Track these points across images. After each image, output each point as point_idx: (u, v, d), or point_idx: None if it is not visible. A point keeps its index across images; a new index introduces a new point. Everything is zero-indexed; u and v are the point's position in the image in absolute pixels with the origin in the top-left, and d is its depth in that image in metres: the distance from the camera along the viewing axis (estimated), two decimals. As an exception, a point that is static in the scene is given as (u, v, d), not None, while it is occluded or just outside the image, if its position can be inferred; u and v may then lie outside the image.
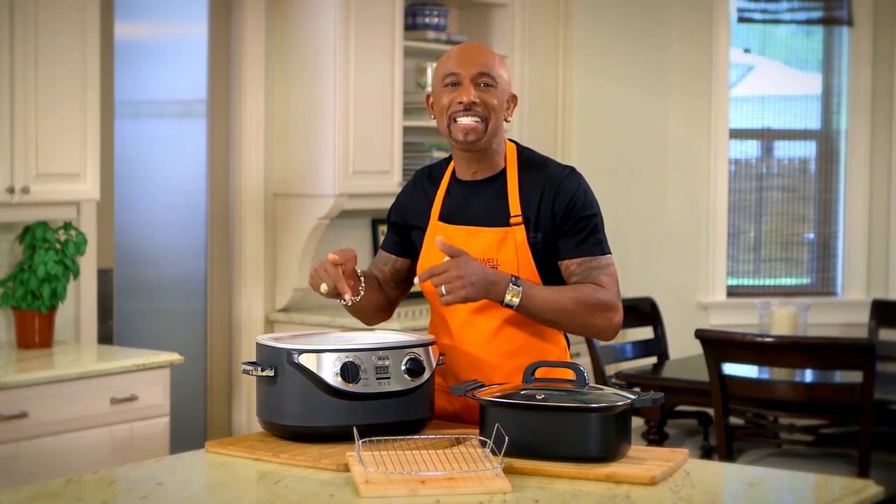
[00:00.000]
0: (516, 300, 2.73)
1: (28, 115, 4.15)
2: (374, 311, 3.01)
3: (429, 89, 5.70)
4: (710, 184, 6.70)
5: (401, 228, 3.02)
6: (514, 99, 2.92)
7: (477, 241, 2.85)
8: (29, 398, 3.88)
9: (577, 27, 6.45)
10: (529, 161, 2.90)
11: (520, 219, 2.84)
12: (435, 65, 5.69)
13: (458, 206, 2.91)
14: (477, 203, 2.89)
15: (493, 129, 2.85)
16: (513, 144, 2.94)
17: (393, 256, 3.03)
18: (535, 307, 2.75)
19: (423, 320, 5.17)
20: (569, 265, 2.83)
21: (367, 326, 3.11)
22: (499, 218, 2.85)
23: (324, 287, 2.79)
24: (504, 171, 2.89)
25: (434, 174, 3.00)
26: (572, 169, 2.89)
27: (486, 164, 2.89)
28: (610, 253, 2.86)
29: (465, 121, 2.82)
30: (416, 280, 2.81)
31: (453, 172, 2.95)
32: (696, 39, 6.64)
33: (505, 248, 2.83)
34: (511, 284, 2.73)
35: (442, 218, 2.92)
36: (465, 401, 2.78)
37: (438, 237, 2.76)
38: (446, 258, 2.73)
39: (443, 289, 2.68)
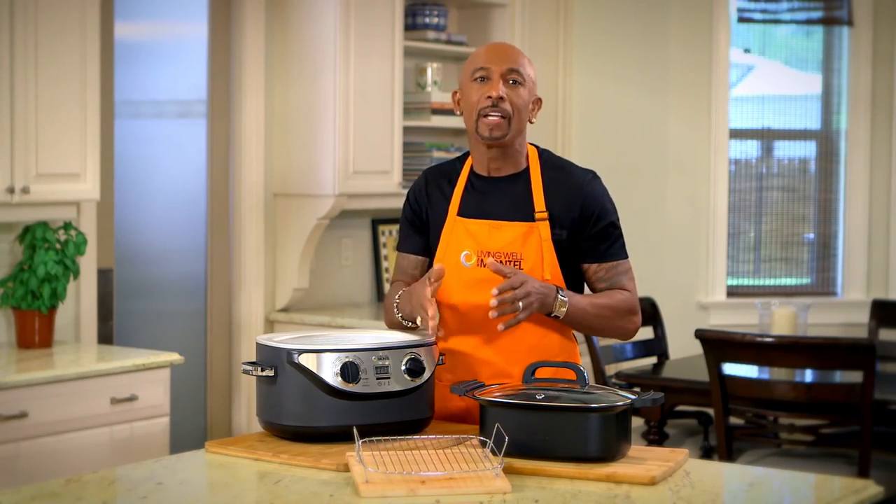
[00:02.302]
0: (563, 311, 2.81)
1: (28, 115, 4.15)
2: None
3: (429, 89, 5.73)
4: (709, 184, 6.70)
5: (422, 227, 3.00)
6: (538, 102, 2.95)
7: (501, 234, 2.87)
8: (29, 398, 3.88)
9: (577, 27, 6.44)
10: (552, 162, 2.95)
11: (545, 214, 2.86)
12: (435, 65, 5.76)
13: (479, 201, 2.91)
14: (500, 198, 2.90)
15: (518, 127, 2.88)
16: (533, 147, 2.97)
17: (420, 258, 3.02)
18: (577, 317, 2.84)
19: (423, 320, 5.17)
20: (597, 270, 2.91)
21: (365, 326, 3.11)
22: (523, 213, 2.88)
23: (419, 321, 2.81)
24: (527, 170, 2.92)
25: (448, 171, 2.99)
26: (594, 173, 2.95)
27: (510, 161, 2.91)
28: (628, 255, 2.95)
29: (492, 118, 2.84)
30: (492, 302, 2.72)
31: (471, 168, 2.96)
32: (696, 39, 6.64)
33: (529, 242, 2.85)
34: (559, 296, 2.79)
35: (461, 213, 2.92)
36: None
37: (490, 260, 2.78)
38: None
39: (520, 304, 2.71)
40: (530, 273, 2.84)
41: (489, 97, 2.84)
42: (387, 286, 5.79)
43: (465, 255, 2.84)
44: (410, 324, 2.91)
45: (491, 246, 2.86)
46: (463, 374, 2.87)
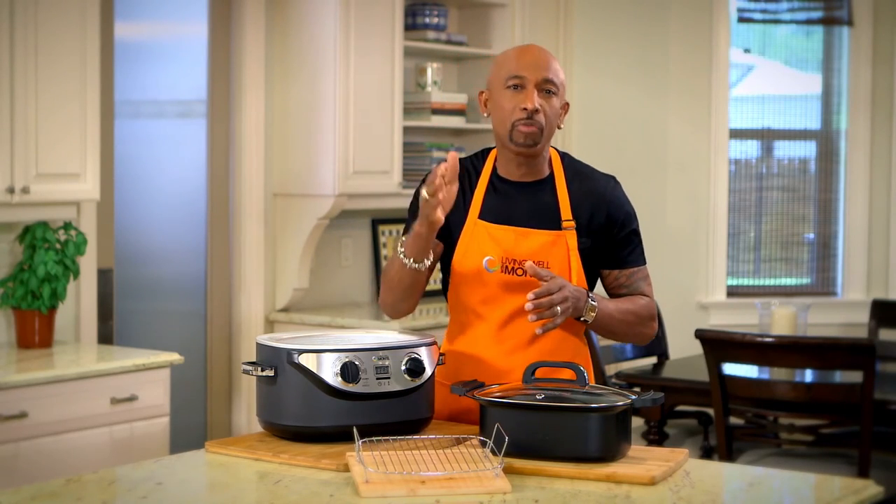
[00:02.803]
0: (592, 315, 2.81)
1: (28, 115, 4.15)
2: (417, 294, 2.88)
3: (429, 89, 5.73)
4: (710, 184, 6.70)
5: None
6: (566, 106, 2.92)
7: (527, 242, 2.85)
8: (29, 398, 3.88)
9: (577, 27, 6.45)
10: (574, 168, 2.93)
11: (572, 223, 2.85)
12: (435, 65, 5.76)
13: (504, 206, 2.88)
14: (525, 204, 2.88)
15: (549, 136, 2.86)
16: (555, 150, 2.95)
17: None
18: (604, 321, 2.85)
19: (422, 320, 5.17)
20: (618, 276, 2.93)
21: (365, 326, 3.10)
22: (549, 221, 2.86)
23: (426, 192, 2.67)
24: (552, 176, 2.90)
25: (468, 168, 2.93)
26: (615, 179, 2.95)
27: (535, 167, 2.89)
28: (646, 261, 2.98)
29: (526, 129, 2.81)
30: (528, 306, 2.70)
31: (494, 170, 2.93)
32: (696, 39, 6.64)
33: (556, 251, 2.84)
34: (589, 300, 2.80)
35: (483, 216, 2.88)
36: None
37: (529, 263, 2.75)
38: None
39: (557, 309, 2.70)
40: None
41: (524, 108, 2.81)
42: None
43: (489, 261, 2.80)
44: (413, 261, 2.78)
45: (517, 253, 2.84)
46: (465, 375, 2.86)
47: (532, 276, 2.73)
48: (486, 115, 2.93)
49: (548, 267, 2.83)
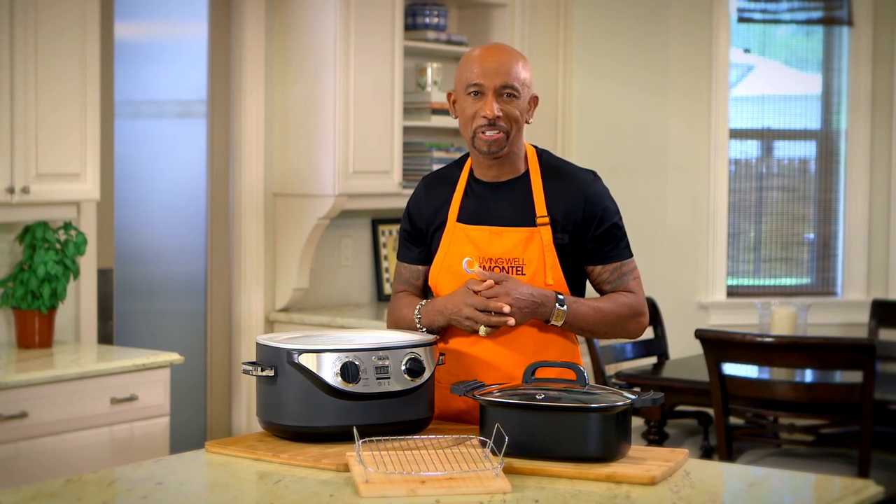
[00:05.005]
0: (560, 321, 2.81)
1: (28, 115, 4.15)
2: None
3: (429, 89, 5.73)
4: (710, 184, 6.70)
5: (423, 237, 2.99)
6: (535, 100, 2.93)
7: (502, 240, 2.86)
8: (29, 398, 3.88)
9: (577, 27, 6.44)
10: (551, 164, 2.94)
11: (546, 219, 2.86)
12: (435, 65, 5.76)
13: (479, 207, 2.91)
14: (500, 203, 2.90)
15: (515, 138, 2.87)
16: (532, 147, 2.96)
17: (422, 267, 3.00)
18: (578, 324, 2.85)
19: (423, 320, 5.16)
20: (601, 272, 2.91)
21: (365, 326, 3.11)
22: (524, 218, 2.87)
23: (483, 330, 2.80)
24: (527, 174, 2.91)
25: (446, 177, 2.98)
26: (595, 173, 2.95)
27: (508, 167, 2.91)
28: (633, 254, 2.94)
29: (489, 134, 2.83)
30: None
31: (471, 173, 2.95)
32: (696, 39, 6.64)
33: (531, 247, 2.85)
34: (557, 306, 2.80)
35: (461, 219, 2.91)
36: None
37: (476, 268, 2.77)
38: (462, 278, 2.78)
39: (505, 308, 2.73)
40: (532, 278, 2.83)
41: (484, 116, 2.82)
42: (387, 286, 5.79)
43: (468, 262, 2.82)
44: (425, 330, 2.90)
45: (492, 252, 2.86)
46: (465, 378, 2.86)
47: (482, 279, 2.76)
48: (454, 116, 2.94)
49: (523, 264, 2.85)
